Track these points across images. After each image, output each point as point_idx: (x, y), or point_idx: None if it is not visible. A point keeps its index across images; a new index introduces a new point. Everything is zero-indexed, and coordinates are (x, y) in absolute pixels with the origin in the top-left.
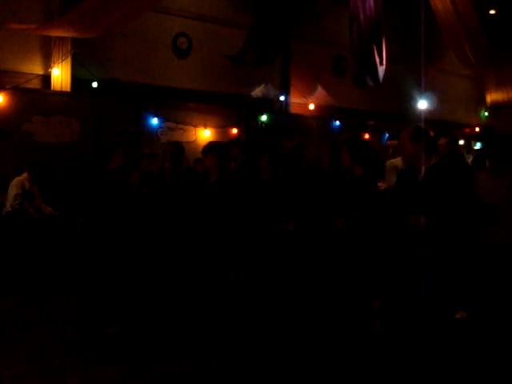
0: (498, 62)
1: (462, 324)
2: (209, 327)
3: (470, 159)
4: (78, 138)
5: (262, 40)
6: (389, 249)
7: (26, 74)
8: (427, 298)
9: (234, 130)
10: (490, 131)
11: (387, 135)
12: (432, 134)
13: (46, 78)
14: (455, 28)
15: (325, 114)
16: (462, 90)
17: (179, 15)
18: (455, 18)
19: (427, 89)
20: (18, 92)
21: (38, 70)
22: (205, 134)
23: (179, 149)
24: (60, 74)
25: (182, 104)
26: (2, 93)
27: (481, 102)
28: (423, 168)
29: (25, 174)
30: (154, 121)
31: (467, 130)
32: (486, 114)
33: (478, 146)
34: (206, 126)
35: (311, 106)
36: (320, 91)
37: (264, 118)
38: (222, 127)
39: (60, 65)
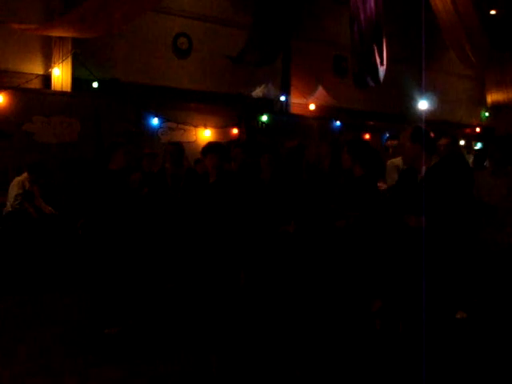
0: (498, 63)
1: (462, 324)
2: (209, 327)
3: (470, 159)
4: (79, 138)
5: (263, 40)
6: (389, 249)
7: (26, 74)
8: (427, 298)
9: (235, 131)
10: (491, 131)
11: (387, 135)
12: (432, 134)
13: (47, 78)
14: (456, 28)
15: (325, 114)
16: (463, 90)
17: (179, 15)
18: (456, 17)
19: (428, 89)
20: (19, 92)
21: (39, 70)
22: (205, 134)
23: (179, 149)
24: (60, 74)
25: (182, 104)
26: (3, 93)
27: (481, 102)
28: (423, 168)
29: (25, 174)
30: (155, 121)
31: (468, 131)
32: (487, 114)
33: (478, 146)
34: (206, 126)
35: (312, 107)
36: (320, 91)
37: (264, 118)
38: (223, 127)
39: (60, 65)
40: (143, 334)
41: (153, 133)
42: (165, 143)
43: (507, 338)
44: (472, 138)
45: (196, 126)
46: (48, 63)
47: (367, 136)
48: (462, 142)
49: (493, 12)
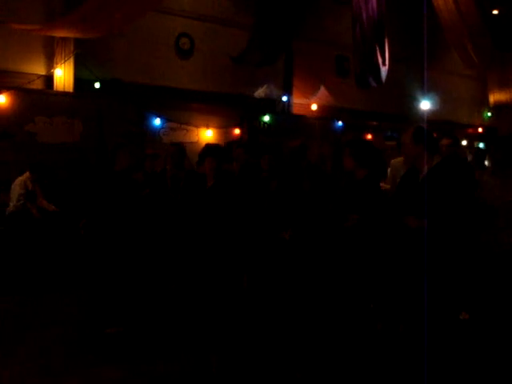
0: (501, 63)
1: (463, 325)
2: (210, 328)
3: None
4: (81, 138)
5: (265, 40)
6: (390, 250)
7: (28, 74)
8: (429, 299)
9: (237, 131)
10: (493, 131)
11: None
12: (434, 134)
13: (49, 79)
14: (457, 27)
15: (327, 114)
16: (465, 90)
17: (181, 15)
18: (457, 17)
19: (430, 89)
20: (21, 92)
21: (41, 70)
22: (207, 135)
23: (180, 150)
24: (63, 75)
25: (184, 104)
26: (5, 93)
27: (483, 102)
28: (425, 168)
29: (27, 174)
30: (157, 121)
31: (470, 131)
32: (489, 114)
33: (480, 146)
34: (208, 127)
35: (314, 107)
36: (322, 92)
37: (266, 118)
38: (225, 128)
39: (63, 65)
40: (143, 334)
41: (155, 133)
42: (167, 143)
43: (509, 339)
44: (474, 138)
45: (198, 127)
46: (50, 64)
47: (369, 136)
48: (464, 142)
49: (495, 12)
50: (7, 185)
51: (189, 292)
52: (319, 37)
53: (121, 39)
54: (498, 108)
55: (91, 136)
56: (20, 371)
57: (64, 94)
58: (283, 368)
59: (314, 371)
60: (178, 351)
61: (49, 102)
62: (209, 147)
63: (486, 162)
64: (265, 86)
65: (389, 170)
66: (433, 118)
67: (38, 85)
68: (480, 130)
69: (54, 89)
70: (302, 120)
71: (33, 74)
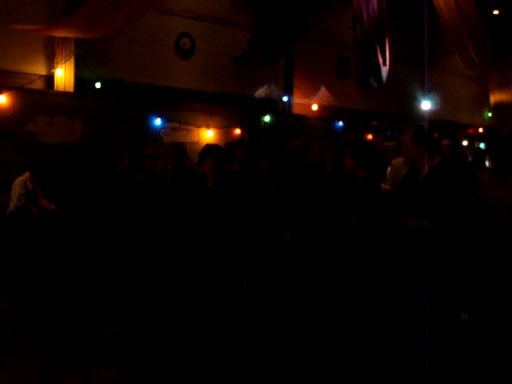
0: (501, 63)
1: (464, 325)
2: (210, 328)
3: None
4: (82, 138)
5: (266, 41)
6: (391, 251)
7: (29, 74)
8: (431, 299)
9: (237, 131)
10: (494, 132)
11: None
12: (435, 133)
13: (50, 79)
14: (458, 27)
15: (328, 114)
16: (466, 90)
17: (182, 16)
18: (458, 17)
19: (430, 89)
20: (22, 92)
21: (42, 70)
22: (208, 135)
23: (181, 150)
24: (63, 75)
25: (185, 104)
26: (6, 93)
27: (484, 102)
28: (425, 168)
29: (27, 174)
30: (158, 121)
31: (471, 131)
32: (490, 114)
33: (481, 146)
34: (209, 127)
35: (314, 107)
36: (323, 92)
37: (267, 118)
38: (225, 128)
39: (63, 65)
40: (143, 334)
41: (155, 133)
42: (167, 143)
43: (509, 339)
44: (475, 139)
45: (199, 127)
46: (51, 64)
47: (370, 136)
48: (464, 143)
49: (496, 12)
50: (8, 185)
51: (189, 292)
52: (320, 37)
53: (121, 39)
54: (498, 108)
55: (92, 136)
56: (20, 371)
57: (65, 94)
58: (283, 368)
59: (314, 371)
60: (178, 351)
61: (49, 102)
62: (209, 147)
63: (487, 163)
64: (265, 86)
65: (388, 170)
66: (433, 119)
67: (38, 85)
68: (481, 130)
69: (55, 89)
70: (303, 120)
71: (33, 74)
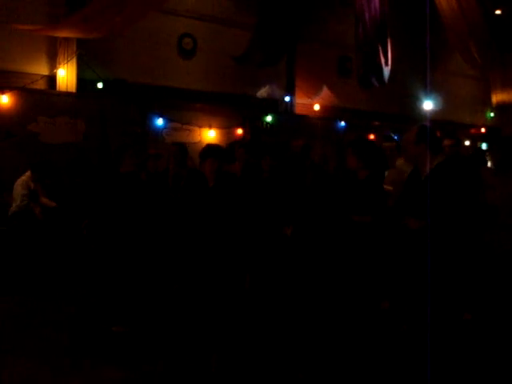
0: (503, 63)
1: (466, 326)
2: (211, 328)
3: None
4: (84, 138)
5: (267, 41)
6: (393, 251)
7: (31, 74)
8: (433, 299)
9: (239, 131)
10: (496, 132)
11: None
12: (438, 133)
13: (52, 79)
14: (460, 27)
15: (330, 114)
16: (468, 90)
17: (184, 16)
18: (460, 17)
19: (432, 89)
20: (24, 92)
21: (44, 70)
22: (210, 135)
23: (182, 150)
24: (65, 75)
25: (187, 104)
26: (8, 93)
27: (486, 102)
28: (427, 168)
29: (28, 173)
30: (160, 121)
31: (473, 131)
32: (492, 114)
33: (483, 146)
34: (210, 127)
35: (316, 107)
36: (325, 92)
37: (269, 118)
38: (227, 128)
39: (65, 65)
40: (144, 333)
41: (157, 133)
42: (169, 144)
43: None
44: (477, 139)
45: (200, 127)
46: (53, 64)
47: (372, 136)
48: (467, 143)
49: (498, 12)
50: (10, 185)
51: (190, 292)
52: (322, 37)
53: (123, 39)
54: (500, 108)
55: (94, 136)
56: (20, 371)
57: (67, 94)
58: (285, 368)
59: (317, 372)
60: (179, 351)
61: (51, 102)
62: (209, 148)
63: (489, 163)
64: (267, 86)
65: (390, 171)
66: (435, 118)
67: (40, 85)
68: (483, 130)
69: (57, 89)
70: (305, 120)
71: (35, 74)
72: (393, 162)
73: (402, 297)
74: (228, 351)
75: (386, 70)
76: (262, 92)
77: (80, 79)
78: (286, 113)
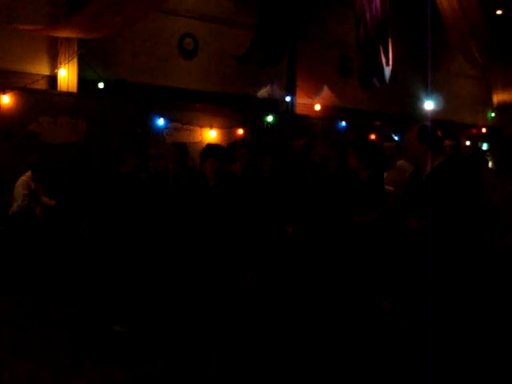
0: (504, 63)
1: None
2: (211, 328)
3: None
4: (85, 138)
5: (268, 41)
6: (394, 251)
7: (32, 74)
8: (433, 299)
9: (240, 131)
10: (497, 132)
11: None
12: (439, 133)
13: (53, 79)
14: (461, 27)
15: (331, 114)
16: (469, 90)
17: (185, 16)
18: (461, 17)
19: (433, 89)
20: (25, 92)
21: (45, 70)
22: (211, 135)
23: (182, 150)
24: (66, 75)
25: (188, 105)
26: (9, 93)
27: (487, 102)
28: (428, 167)
29: (28, 173)
30: (160, 121)
31: (473, 131)
32: (493, 114)
33: (484, 146)
34: (211, 127)
35: (317, 107)
36: (326, 92)
37: (270, 118)
38: (228, 128)
39: (66, 65)
40: (144, 333)
41: (158, 133)
42: (170, 144)
43: None
44: (478, 139)
45: (201, 127)
46: (54, 64)
47: (373, 136)
48: (467, 143)
49: (499, 12)
50: (11, 185)
51: (191, 292)
52: (322, 37)
53: (124, 40)
54: (501, 108)
55: (95, 136)
56: (20, 371)
57: (68, 94)
58: (285, 368)
59: (317, 372)
60: (179, 351)
61: (52, 102)
62: (210, 147)
63: (490, 163)
64: (268, 87)
65: (386, 172)
66: (436, 118)
67: (41, 85)
68: (484, 130)
69: (58, 89)
70: (306, 120)
71: (37, 74)
72: (393, 162)
73: (402, 297)
74: (228, 351)
75: (387, 70)
76: (263, 92)
77: (81, 79)
78: (286, 113)
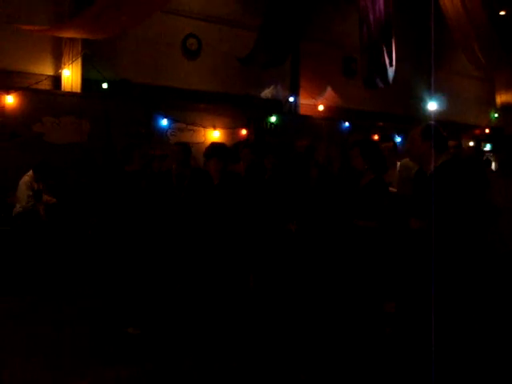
0: (508, 63)
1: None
2: (213, 328)
3: None
4: (88, 138)
5: (272, 41)
6: (396, 251)
7: (36, 74)
8: (436, 300)
9: (244, 131)
10: (500, 132)
11: (396, 136)
12: (444, 132)
13: (57, 79)
14: (465, 28)
15: (334, 115)
16: (472, 91)
17: (189, 16)
18: (465, 17)
19: (437, 90)
20: (29, 93)
21: (49, 70)
22: (214, 135)
23: (186, 149)
24: (70, 75)
25: (191, 105)
26: (13, 93)
27: (491, 103)
28: (431, 166)
29: (30, 173)
30: (164, 122)
31: (477, 132)
32: (496, 115)
33: (487, 147)
34: (215, 127)
35: (320, 107)
36: (329, 92)
37: (273, 119)
38: (232, 128)
39: (70, 66)
40: (148, 333)
41: (162, 134)
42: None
43: None
44: (481, 139)
45: (205, 127)
46: (58, 64)
47: (376, 137)
48: (471, 143)
49: (502, 12)
50: (15, 184)
51: (194, 292)
52: (326, 38)
53: (128, 40)
54: (505, 109)
55: (99, 136)
56: (20, 371)
57: (72, 94)
58: (287, 369)
59: (318, 373)
60: (182, 351)
61: (56, 103)
62: (214, 147)
63: (493, 163)
64: (272, 87)
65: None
66: (440, 119)
67: (45, 85)
68: (487, 130)
69: (62, 89)
70: (309, 120)
71: (41, 74)
72: (390, 163)
73: (405, 299)
74: (230, 351)
75: (391, 71)
76: (267, 92)
77: (85, 79)
78: (290, 113)
